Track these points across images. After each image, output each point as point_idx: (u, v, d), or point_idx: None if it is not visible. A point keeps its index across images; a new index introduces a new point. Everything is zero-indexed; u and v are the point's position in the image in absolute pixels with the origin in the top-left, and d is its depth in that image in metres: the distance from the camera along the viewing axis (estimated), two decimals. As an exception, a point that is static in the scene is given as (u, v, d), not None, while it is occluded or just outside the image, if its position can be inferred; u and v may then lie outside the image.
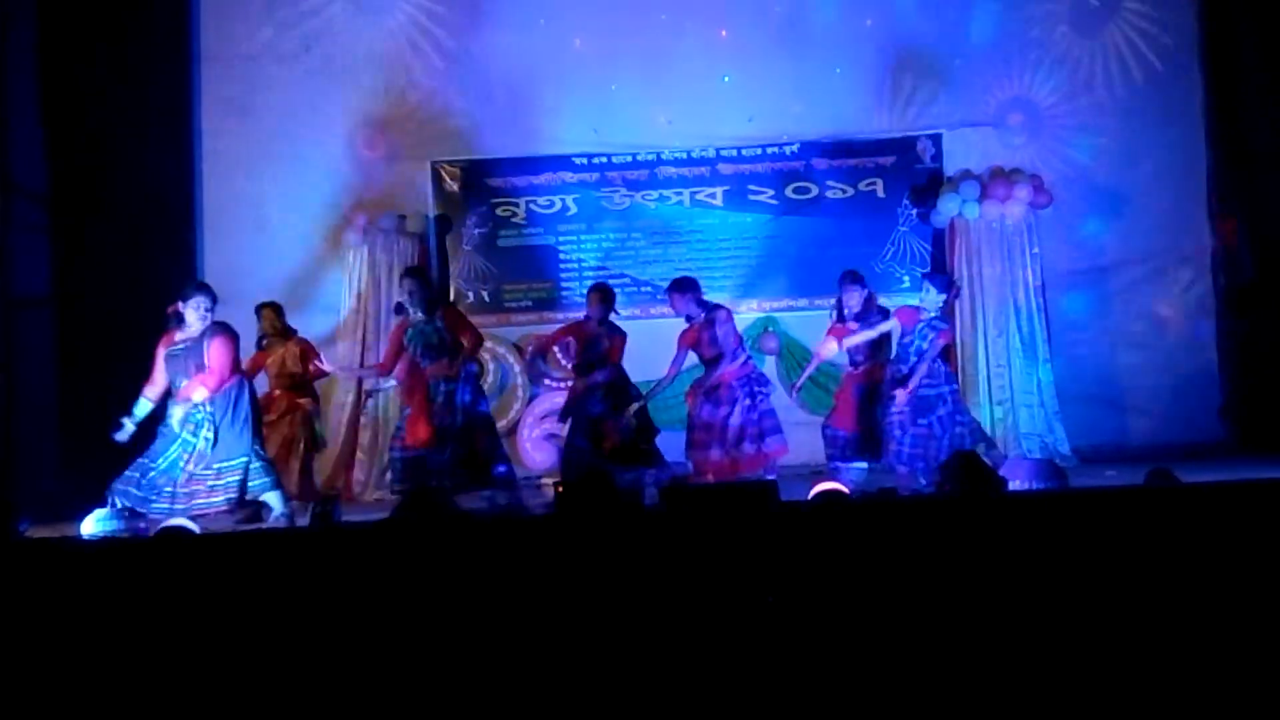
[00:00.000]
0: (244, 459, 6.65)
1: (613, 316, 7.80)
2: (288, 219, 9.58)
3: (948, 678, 3.42)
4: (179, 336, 6.70)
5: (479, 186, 9.84)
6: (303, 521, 6.51)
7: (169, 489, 6.51)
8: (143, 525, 5.97)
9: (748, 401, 7.42)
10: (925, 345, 7.17)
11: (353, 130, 9.77)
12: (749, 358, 7.65)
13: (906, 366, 7.21)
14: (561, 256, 9.85)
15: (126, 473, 6.52)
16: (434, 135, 9.79)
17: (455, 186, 9.84)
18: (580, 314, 8.54)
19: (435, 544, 3.87)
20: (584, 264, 9.80)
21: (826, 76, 9.74)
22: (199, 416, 6.59)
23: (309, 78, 9.79)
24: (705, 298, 7.62)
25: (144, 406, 6.66)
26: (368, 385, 9.14)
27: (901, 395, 7.12)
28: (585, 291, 8.07)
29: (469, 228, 9.84)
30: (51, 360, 8.79)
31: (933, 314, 7.26)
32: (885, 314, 7.64)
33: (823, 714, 3.41)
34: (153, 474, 6.54)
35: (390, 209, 9.45)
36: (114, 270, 8.89)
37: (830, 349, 7.69)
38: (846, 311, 7.64)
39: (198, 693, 3.48)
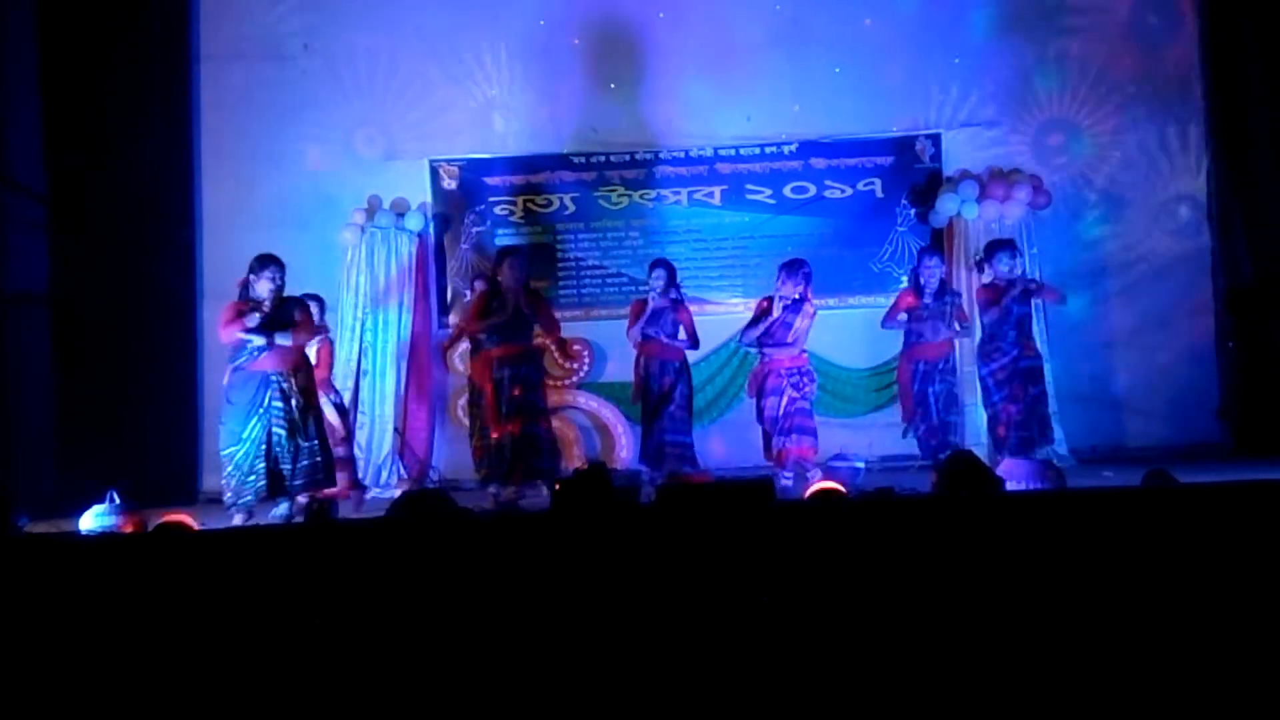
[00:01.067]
0: (316, 441, 6.76)
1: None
2: (286, 217, 9.56)
3: (944, 678, 3.43)
4: (254, 305, 6.76)
5: (477, 185, 9.84)
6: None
7: (264, 465, 6.62)
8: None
9: (794, 394, 7.74)
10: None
11: (351, 128, 9.78)
12: (804, 352, 7.93)
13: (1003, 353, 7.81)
14: (559, 255, 9.84)
15: (227, 475, 6.67)
16: (432, 133, 9.79)
17: (453, 185, 9.84)
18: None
19: (431, 542, 3.87)
20: (582, 263, 9.80)
21: (825, 76, 9.73)
22: (284, 385, 6.68)
23: (307, 76, 9.79)
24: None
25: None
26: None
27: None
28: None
29: (467, 226, 9.84)
30: (49, 357, 8.79)
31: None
32: (957, 293, 8.22)
33: (818, 713, 3.41)
34: (239, 457, 6.63)
35: (388, 207, 9.45)
36: (112, 267, 8.91)
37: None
38: (925, 287, 8.05)
39: (194, 688, 3.48)
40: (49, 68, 8.89)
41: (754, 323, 7.91)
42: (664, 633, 3.50)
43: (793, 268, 7.86)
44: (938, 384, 7.98)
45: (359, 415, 9.17)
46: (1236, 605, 3.49)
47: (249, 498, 6.63)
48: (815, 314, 7.93)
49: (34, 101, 8.84)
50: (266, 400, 6.64)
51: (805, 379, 7.83)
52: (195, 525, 4.81)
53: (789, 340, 7.78)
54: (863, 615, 3.53)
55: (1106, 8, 9.70)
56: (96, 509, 5.92)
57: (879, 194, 9.73)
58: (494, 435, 7.41)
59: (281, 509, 6.78)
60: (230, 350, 6.82)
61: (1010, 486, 5.37)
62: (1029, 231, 9.17)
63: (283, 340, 6.68)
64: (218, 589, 3.68)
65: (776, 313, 7.79)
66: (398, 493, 7.50)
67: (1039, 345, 8.21)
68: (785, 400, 7.72)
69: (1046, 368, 8.31)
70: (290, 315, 6.77)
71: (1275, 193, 9.21)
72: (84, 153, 8.96)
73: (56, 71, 8.90)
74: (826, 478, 6.15)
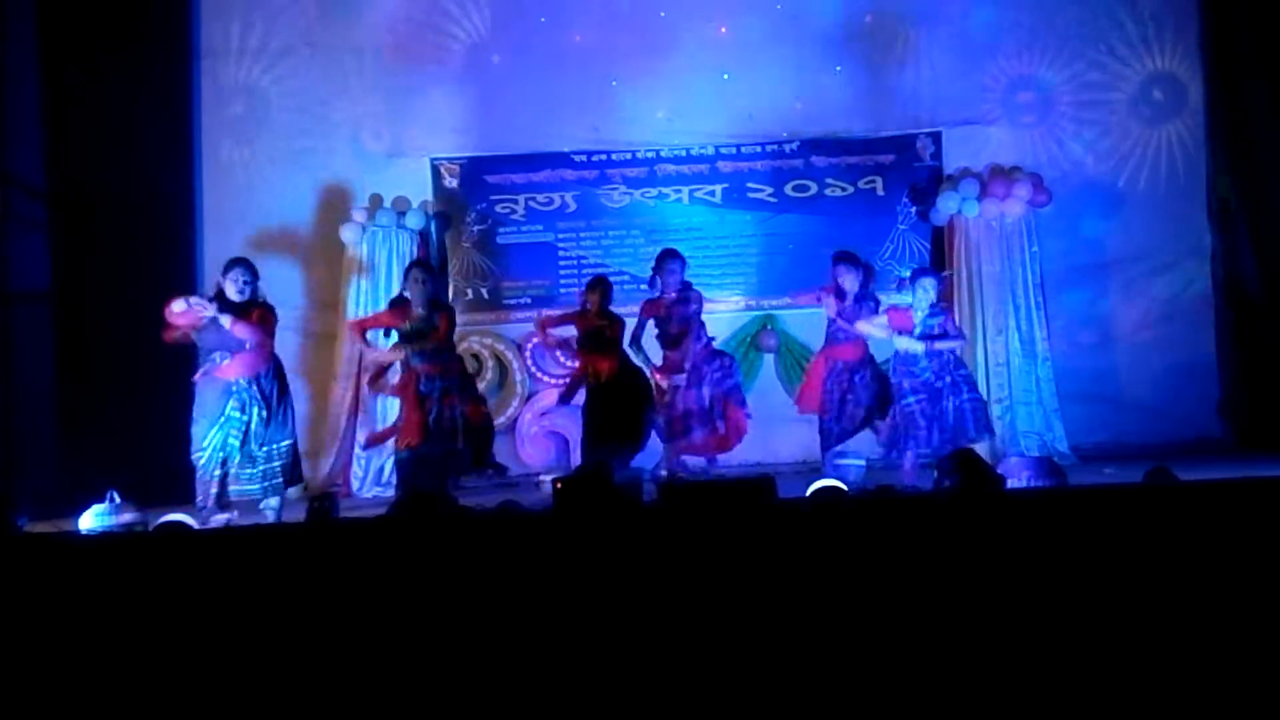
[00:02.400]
0: (290, 441, 6.79)
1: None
2: (287, 215, 9.57)
3: (945, 675, 3.42)
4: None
5: (478, 183, 9.83)
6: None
7: (220, 472, 6.68)
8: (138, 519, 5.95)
9: (717, 374, 7.94)
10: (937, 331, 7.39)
11: (352, 126, 9.77)
12: (710, 340, 8.13)
13: (918, 369, 7.38)
14: (560, 254, 9.83)
15: (197, 481, 6.72)
16: (433, 131, 9.78)
17: (454, 183, 9.84)
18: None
19: (432, 540, 3.87)
20: (583, 261, 9.79)
21: (826, 74, 9.72)
22: (244, 395, 6.69)
23: (307, 73, 9.78)
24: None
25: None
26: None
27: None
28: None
29: (468, 224, 9.83)
30: (50, 355, 8.79)
31: (926, 311, 7.38)
32: (878, 302, 7.83)
33: (819, 710, 3.41)
34: (204, 463, 6.68)
35: (389, 206, 9.44)
36: (113, 266, 8.89)
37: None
38: (846, 294, 7.77)
39: (194, 688, 3.48)
40: (50, 65, 8.87)
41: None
42: (666, 630, 3.50)
43: (676, 258, 8.12)
44: (896, 401, 7.60)
45: (361, 414, 9.17)
46: (1238, 602, 3.48)
47: (210, 505, 6.69)
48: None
49: (35, 99, 8.82)
50: (226, 410, 6.68)
51: (721, 358, 8.17)
52: (195, 525, 4.81)
53: (689, 331, 7.99)
54: (864, 613, 3.53)
55: (1108, 6, 9.68)
56: (96, 508, 5.92)
57: (880, 192, 9.72)
58: (409, 446, 7.38)
59: (273, 502, 6.81)
60: (199, 357, 6.86)
61: (1011, 484, 5.37)
62: (1030, 229, 9.16)
63: (228, 364, 6.69)
64: (217, 589, 3.68)
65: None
66: (399, 489, 7.52)
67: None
68: (711, 382, 7.95)
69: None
70: (245, 311, 6.76)
71: (1275, 188, 9.19)
72: (85, 150, 8.95)
73: (58, 69, 8.89)
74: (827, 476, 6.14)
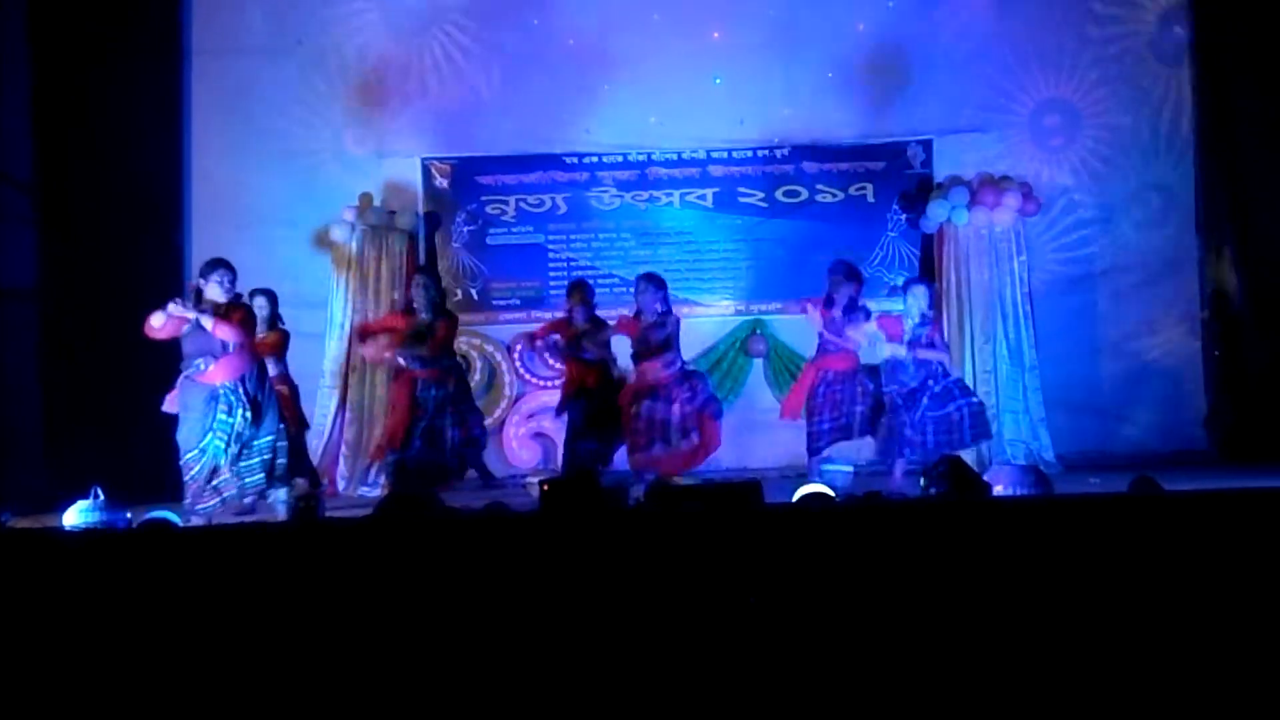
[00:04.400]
0: (270, 437, 6.78)
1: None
2: (276, 214, 9.55)
3: (930, 682, 3.43)
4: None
5: (469, 184, 9.83)
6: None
7: (214, 481, 6.66)
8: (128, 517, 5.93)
9: (687, 394, 7.85)
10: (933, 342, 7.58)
11: (343, 125, 9.76)
12: (683, 364, 8.08)
13: (905, 377, 7.52)
14: (550, 256, 9.83)
15: (187, 481, 6.68)
16: (424, 131, 9.78)
17: (445, 183, 9.83)
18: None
19: (418, 541, 3.86)
20: (573, 263, 9.79)
21: (818, 80, 9.74)
22: (230, 399, 6.65)
23: (300, 72, 9.77)
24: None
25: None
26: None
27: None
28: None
29: (458, 225, 9.83)
30: (36, 352, 8.75)
31: (917, 320, 7.54)
32: (868, 313, 7.84)
33: (804, 715, 3.41)
34: (197, 470, 6.64)
35: (380, 205, 9.43)
36: (100, 263, 8.86)
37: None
38: (836, 304, 7.80)
39: (177, 685, 3.47)
40: (39, 60, 8.83)
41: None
42: (650, 634, 3.50)
43: (657, 283, 8.01)
44: (895, 417, 7.66)
45: (348, 413, 9.16)
46: (1221, 611, 3.50)
47: (210, 505, 6.67)
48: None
49: (24, 94, 8.79)
50: (215, 415, 6.62)
51: (695, 378, 8.10)
52: (179, 522, 4.80)
53: (669, 353, 7.93)
54: (849, 619, 3.53)
55: (1100, 18, 9.71)
56: (80, 505, 5.89)
57: (870, 199, 9.74)
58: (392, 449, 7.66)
59: (281, 494, 6.78)
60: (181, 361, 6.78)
61: (997, 492, 5.39)
62: (1018, 238, 9.18)
63: (204, 321, 6.57)
64: (201, 587, 3.67)
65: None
66: (385, 492, 7.51)
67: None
68: (681, 403, 7.86)
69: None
70: (226, 313, 6.71)
71: (1263, 202, 9.23)
72: (73, 147, 8.90)
73: (47, 64, 8.84)
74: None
